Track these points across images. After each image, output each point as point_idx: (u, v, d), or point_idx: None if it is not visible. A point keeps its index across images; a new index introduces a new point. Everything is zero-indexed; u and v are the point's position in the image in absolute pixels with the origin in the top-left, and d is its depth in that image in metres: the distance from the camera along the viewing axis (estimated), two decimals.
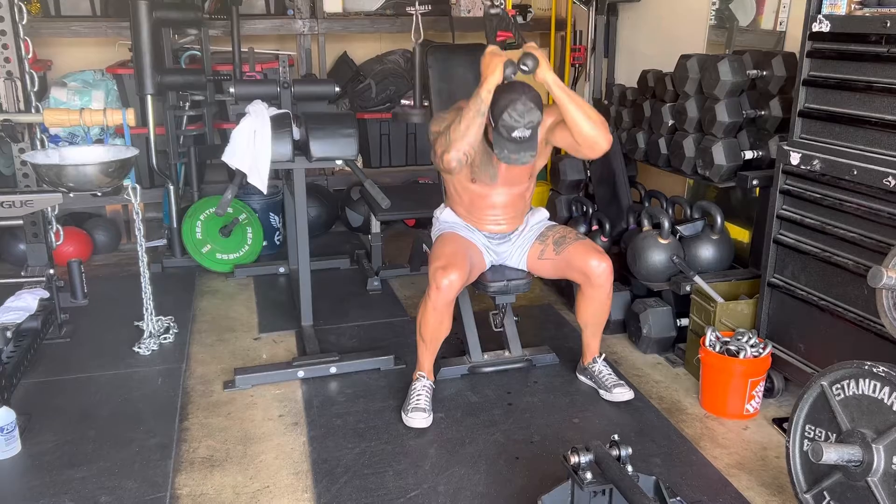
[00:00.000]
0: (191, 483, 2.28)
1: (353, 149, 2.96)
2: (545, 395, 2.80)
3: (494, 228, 2.76)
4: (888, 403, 1.81)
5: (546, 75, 2.34)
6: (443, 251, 2.63)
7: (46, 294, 3.14)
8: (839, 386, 1.93)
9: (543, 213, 2.90)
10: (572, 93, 2.39)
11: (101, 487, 2.24)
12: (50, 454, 2.40)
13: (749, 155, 2.92)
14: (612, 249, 3.41)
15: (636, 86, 3.64)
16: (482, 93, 2.33)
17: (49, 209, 3.32)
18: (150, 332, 3.18)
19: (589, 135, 2.39)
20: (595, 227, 3.52)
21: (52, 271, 3.19)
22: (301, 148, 2.98)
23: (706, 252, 3.06)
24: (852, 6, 2.30)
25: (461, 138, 2.37)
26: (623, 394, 2.72)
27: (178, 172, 4.23)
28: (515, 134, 2.35)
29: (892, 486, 1.78)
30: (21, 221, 3.22)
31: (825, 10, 2.37)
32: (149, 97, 3.73)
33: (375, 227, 3.95)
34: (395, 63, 5.00)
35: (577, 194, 3.82)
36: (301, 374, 2.89)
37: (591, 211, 3.62)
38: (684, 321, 3.04)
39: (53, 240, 3.40)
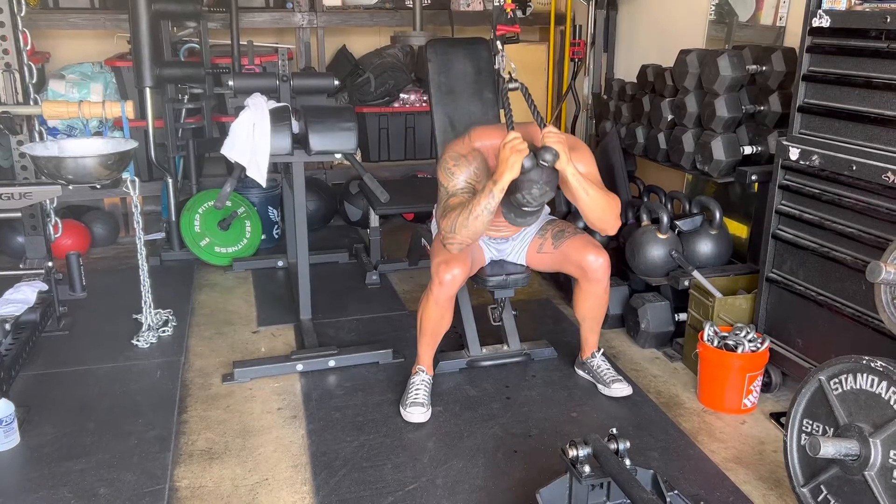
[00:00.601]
0: (189, 475, 2.29)
1: (352, 142, 2.96)
2: (543, 389, 2.80)
3: (495, 234, 2.76)
4: (886, 398, 1.81)
5: (566, 168, 2.25)
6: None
7: (45, 287, 3.14)
8: (837, 380, 1.94)
9: (544, 209, 2.89)
10: (589, 183, 2.32)
11: (99, 479, 2.24)
12: (49, 446, 2.41)
13: (748, 150, 2.92)
14: (611, 244, 3.41)
15: (635, 80, 3.63)
16: (495, 190, 2.23)
17: (47, 201, 3.32)
18: (149, 325, 3.18)
19: (598, 222, 2.42)
20: None
21: (50, 264, 3.19)
22: (300, 141, 2.97)
23: (705, 247, 3.07)
24: (853, 1, 2.30)
25: (465, 228, 2.31)
26: (622, 389, 2.73)
27: (177, 165, 4.23)
28: (527, 209, 2.31)
29: (889, 480, 1.79)
30: (20, 214, 3.21)
31: (825, 5, 2.37)
32: (147, 90, 3.72)
33: (374, 221, 3.95)
34: (394, 57, 4.99)
35: None
36: (300, 367, 2.90)
37: None
38: (682, 316, 3.05)
39: (52, 232, 3.40)
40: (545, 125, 2.30)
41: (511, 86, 2.37)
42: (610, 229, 2.45)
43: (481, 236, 2.39)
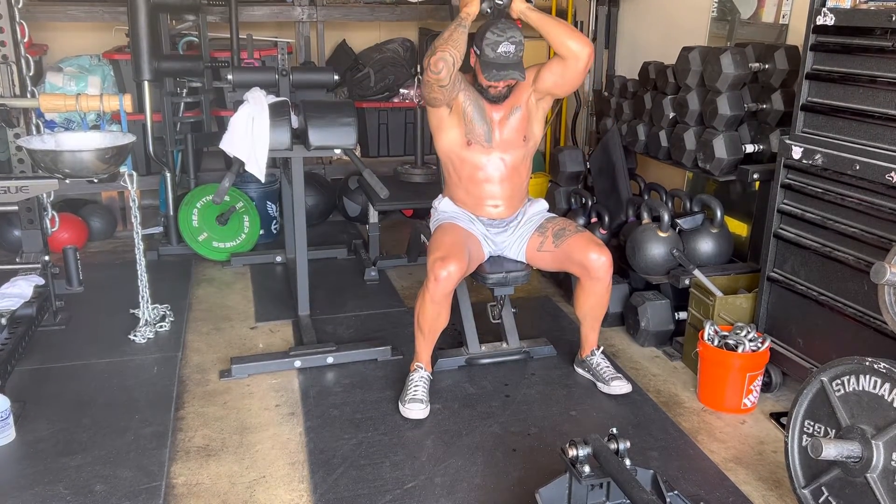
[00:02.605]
0: (186, 472, 2.27)
1: (352, 138, 2.94)
2: (543, 388, 2.79)
3: (493, 212, 2.75)
4: (889, 400, 1.80)
5: (519, 5, 2.55)
6: (441, 242, 2.61)
7: (41, 281, 3.12)
8: (839, 382, 1.93)
9: (543, 205, 2.88)
10: (546, 14, 2.58)
11: (95, 476, 2.23)
12: (44, 442, 2.39)
13: (750, 148, 2.90)
14: (611, 242, 3.40)
15: (637, 77, 3.62)
16: (461, 14, 2.52)
17: (44, 195, 3.29)
18: (146, 320, 3.17)
19: (570, 45, 2.53)
20: (594, 220, 3.51)
21: (47, 258, 3.17)
22: (299, 136, 2.96)
23: (705, 246, 3.06)
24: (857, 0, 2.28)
25: (445, 42, 2.48)
26: (621, 387, 2.72)
27: (175, 160, 4.21)
28: (501, 49, 2.50)
29: (891, 483, 1.78)
30: (16, 207, 3.19)
31: (830, 2, 2.36)
32: (146, 83, 3.69)
33: (373, 216, 3.93)
34: (394, 52, 4.97)
35: (577, 186, 3.80)
36: (298, 363, 2.88)
37: (590, 203, 3.61)
38: (683, 315, 3.04)
39: (49, 226, 3.37)
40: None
41: None
42: (584, 48, 2.53)
43: (461, 52, 2.50)
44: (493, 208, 2.74)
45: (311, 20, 4.75)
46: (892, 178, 2.14)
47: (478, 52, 2.56)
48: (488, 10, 2.55)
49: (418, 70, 4.83)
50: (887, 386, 1.80)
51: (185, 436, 2.45)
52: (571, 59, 2.55)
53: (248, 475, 2.26)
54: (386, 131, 4.92)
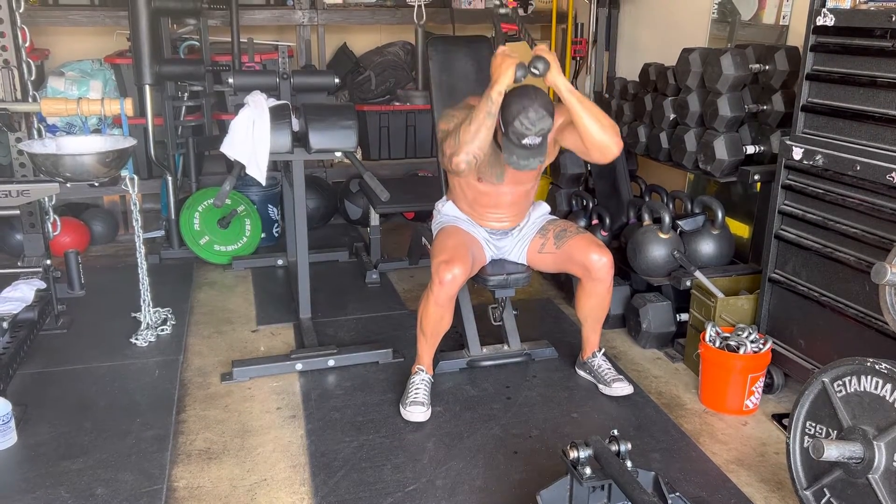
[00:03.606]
0: (187, 475, 2.27)
1: (353, 140, 2.94)
2: (544, 390, 2.79)
3: (497, 225, 2.75)
4: (890, 401, 1.80)
5: (557, 79, 2.28)
6: (445, 245, 2.61)
7: (43, 285, 3.12)
8: (841, 382, 1.92)
9: (545, 208, 2.88)
10: (583, 97, 2.34)
11: (97, 479, 2.23)
12: (46, 445, 2.39)
13: (751, 150, 2.90)
14: (612, 244, 3.40)
15: (637, 79, 3.62)
16: (493, 94, 2.28)
17: (46, 199, 3.30)
18: (148, 324, 3.17)
19: (599, 140, 2.35)
20: (595, 222, 3.51)
21: (48, 262, 3.17)
22: (300, 139, 2.96)
23: (707, 247, 3.05)
24: (857, 0, 2.28)
25: (471, 141, 2.32)
26: (622, 388, 2.72)
27: (177, 163, 4.21)
28: (526, 141, 2.31)
29: (893, 484, 1.77)
30: (18, 211, 3.19)
31: (829, 3, 2.35)
32: (147, 87, 3.70)
33: (374, 219, 3.93)
34: (394, 55, 4.98)
35: (578, 188, 3.80)
36: (299, 366, 2.88)
37: (591, 205, 3.60)
38: (684, 316, 3.03)
39: (50, 230, 3.38)
40: (535, 44, 2.31)
41: (502, 11, 2.40)
42: (612, 146, 2.37)
43: (484, 150, 2.36)
44: (498, 223, 2.74)
45: (312, 23, 4.76)
46: (893, 178, 2.14)
47: (503, 129, 2.35)
48: (522, 79, 2.30)
49: (416, 75, 4.84)
50: (889, 387, 1.80)
51: (186, 439, 2.45)
52: (595, 151, 2.39)
53: (249, 478, 2.26)
54: (387, 134, 4.92)
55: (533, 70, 2.26)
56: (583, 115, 2.31)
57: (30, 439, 2.42)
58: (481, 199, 2.70)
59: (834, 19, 2.32)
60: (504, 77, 2.26)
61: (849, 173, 2.30)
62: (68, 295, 3.21)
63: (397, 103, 4.85)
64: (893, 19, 2.12)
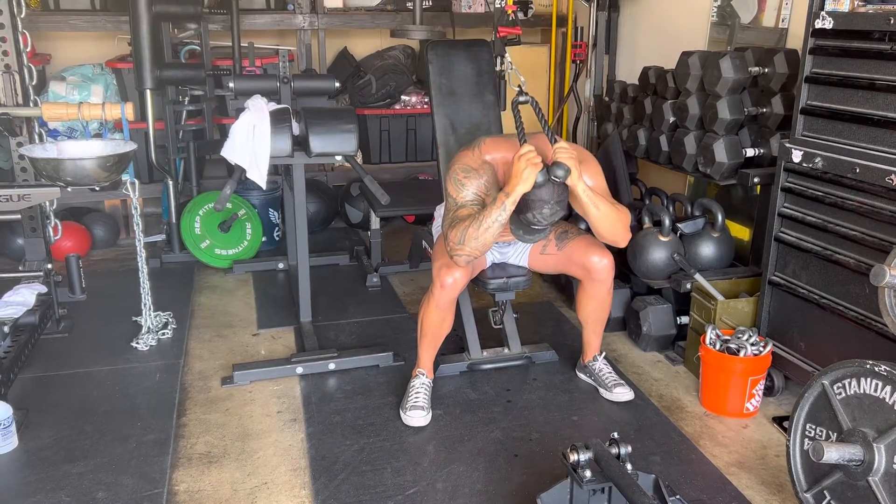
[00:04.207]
0: (188, 479, 2.27)
1: (353, 144, 2.94)
2: (544, 393, 2.79)
3: (500, 238, 2.74)
4: (890, 403, 1.80)
5: (577, 185, 2.23)
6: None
7: (44, 289, 3.13)
8: (840, 385, 1.92)
9: None
10: (599, 198, 2.31)
11: (97, 483, 2.23)
12: (47, 450, 2.39)
13: (750, 152, 2.90)
14: (613, 247, 3.40)
15: (637, 82, 3.62)
16: (507, 203, 2.21)
17: (47, 203, 3.30)
18: (149, 328, 3.17)
19: (611, 237, 2.41)
20: None
21: (49, 266, 3.18)
22: (300, 143, 2.96)
23: (707, 250, 3.05)
24: (855, 3, 2.28)
25: (475, 243, 2.29)
26: (624, 394, 2.71)
27: (178, 167, 4.22)
28: (536, 227, 2.31)
29: (893, 486, 1.77)
30: (19, 216, 3.20)
31: (828, 6, 2.36)
32: (148, 92, 3.71)
33: (375, 223, 3.94)
34: (395, 59, 4.98)
35: None
36: (300, 370, 2.88)
37: None
38: (684, 319, 3.03)
39: (51, 234, 3.38)
40: (556, 140, 2.28)
41: (521, 99, 2.36)
42: (621, 241, 2.43)
43: (489, 249, 2.38)
44: (501, 236, 2.74)
45: (313, 28, 4.77)
46: (892, 180, 2.14)
47: (517, 209, 2.27)
48: (541, 186, 2.21)
49: (416, 79, 4.84)
50: (888, 389, 1.80)
51: (186, 443, 2.46)
52: (604, 240, 2.46)
53: (249, 482, 2.26)
54: (387, 138, 4.93)
55: (554, 178, 2.20)
56: (597, 216, 2.32)
57: (31, 443, 2.42)
58: None
59: (832, 22, 2.33)
60: (523, 185, 2.18)
61: (848, 176, 2.30)
62: (69, 299, 3.21)
63: (398, 107, 4.85)
64: (892, 22, 2.13)
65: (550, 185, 2.21)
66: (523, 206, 2.24)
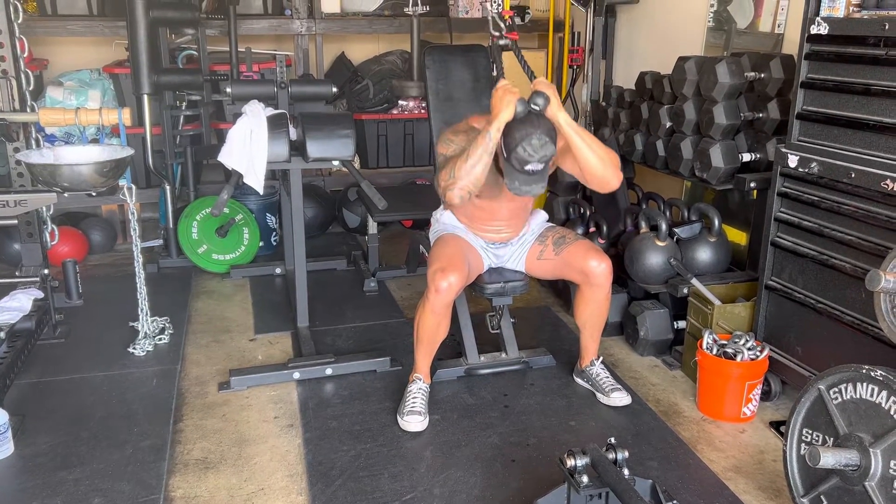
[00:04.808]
0: (185, 485, 2.27)
1: (350, 149, 2.95)
2: (542, 398, 2.79)
3: (495, 237, 2.75)
4: (886, 407, 1.80)
5: (557, 114, 2.28)
6: (442, 253, 2.61)
7: (41, 294, 3.13)
8: (837, 390, 1.93)
9: (542, 216, 2.89)
10: (584, 131, 2.34)
11: (94, 489, 2.23)
12: (43, 456, 2.39)
13: (747, 157, 2.91)
14: (610, 251, 3.40)
15: (634, 87, 3.63)
16: (492, 131, 2.26)
17: (44, 209, 3.30)
18: (146, 333, 3.17)
19: (599, 175, 2.37)
20: (592, 229, 3.51)
21: (46, 271, 3.18)
22: (298, 148, 2.97)
23: (703, 254, 3.06)
24: (850, 8, 2.29)
25: (466, 176, 2.31)
26: (621, 399, 2.71)
27: (175, 172, 4.22)
28: (529, 167, 2.28)
29: (889, 491, 1.77)
30: (16, 221, 3.20)
31: (823, 12, 2.37)
32: (145, 97, 3.71)
33: (372, 228, 3.94)
34: (392, 64, 5.00)
35: (575, 196, 3.81)
36: (297, 375, 2.88)
37: (588, 213, 3.61)
38: (681, 324, 3.03)
39: (48, 239, 3.38)
40: (535, 77, 2.29)
41: (502, 43, 2.39)
42: (612, 179, 2.38)
43: (479, 186, 2.35)
44: (496, 234, 2.75)
45: (310, 33, 4.78)
46: (888, 185, 2.15)
47: (504, 155, 2.33)
48: (523, 115, 2.28)
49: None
50: (884, 394, 1.80)
51: (183, 448, 2.45)
52: (595, 184, 2.42)
53: (246, 487, 2.26)
54: (385, 143, 4.93)
55: (533, 106, 2.26)
56: (584, 150, 2.32)
57: (27, 449, 2.42)
58: (478, 213, 2.70)
59: (828, 28, 2.34)
60: (504, 113, 2.24)
61: (844, 181, 2.31)
62: (66, 304, 3.21)
63: (395, 111, 4.86)
64: (886, 27, 2.14)
65: (533, 117, 2.25)
66: (511, 144, 2.26)
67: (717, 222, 3.05)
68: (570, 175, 3.69)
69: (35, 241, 3.25)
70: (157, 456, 2.40)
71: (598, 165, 2.34)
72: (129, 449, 2.43)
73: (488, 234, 2.75)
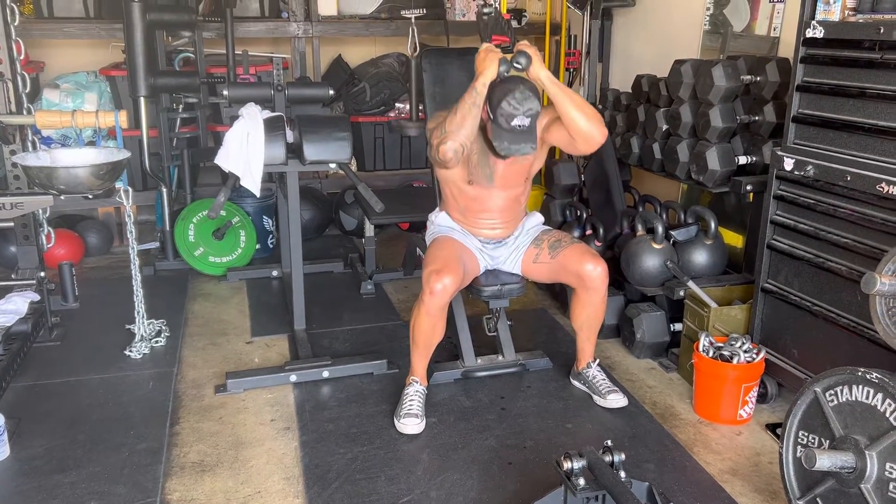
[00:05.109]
0: (181, 488, 2.26)
1: (347, 152, 2.95)
2: (538, 400, 2.79)
3: (490, 234, 2.76)
4: (881, 410, 1.80)
5: (539, 72, 2.40)
6: (437, 255, 2.62)
7: (37, 297, 3.12)
8: (832, 392, 1.93)
9: (538, 218, 2.89)
10: (566, 88, 2.44)
11: (90, 492, 2.22)
12: (39, 459, 2.38)
13: (743, 160, 2.92)
14: (606, 254, 3.40)
15: (630, 90, 3.64)
16: (477, 86, 2.38)
17: (40, 211, 3.30)
18: (142, 336, 3.16)
19: (584, 129, 2.42)
20: (589, 232, 3.52)
21: (42, 274, 3.17)
22: (294, 151, 2.97)
23: (700, 257, 3.06)
24: (846, 12, 2.30)
25: (457, 129, 2.39)
26: (617, 400, 2.72)
27: (171, 175, 4.22)
28: (515, 122, 2.38)
29: (885, 493, 1.78)
30: (12, 224, 3.19)
31: (819, 15, 2.38)
32: (142, 99, 3.72)
33: (369, 230, 3.94)
34: (389, 66, 5.00)
35: (572, 199, 3.82)
36: (293, 378, 2.88)
37: (585, 215, 3.62)
38: (678, 326, 3.04)
39: (45, 242, 3.38)
40: (517, 40, 2.46)
41: (486, 10, 2.52)
42: (597, 133, 2.44)
43: (471, 139, 2.43)
44: (490, 230, 2.75)
45: (307, 36, 4.78)
46: (883, 188, 2.15)
47: (490, 116, 2.44)
48: (506, 74, 2.40)
49: (410, 86, 4.85)
50: (880, 396, 1.81)
51: (180, 451, 2.45)
52: (581, 141, 2.46)
53: (243, 490, 2.26)
54: (382, 145, 4.94)
55: (515, 64, 2.38)
56: (567, 104, 2.40)
57: (23, 452, 2.41)
58: (472, 204, 2.71)
59: (823, 31, 2.35)
60: (488, 70, 2.37)
61: (839, 183, 2.31)
62: (62, 307, 3.21)
63: (392, 114, 4.86)
64: (882, 31, 2.15)
65: (514, 77, 2.39)
66: (495, 101, 2.38)
67: (713, 225, 3.06)
68: (567, 178, 3.75)
69: (31, 243, 3.25)
70: (154, 459, 2.39)
71: (581, 119, 2.41)
72: (126, 452, 2.43)
73: (482, 231, 2.75)
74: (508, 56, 2.41)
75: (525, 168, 2.68)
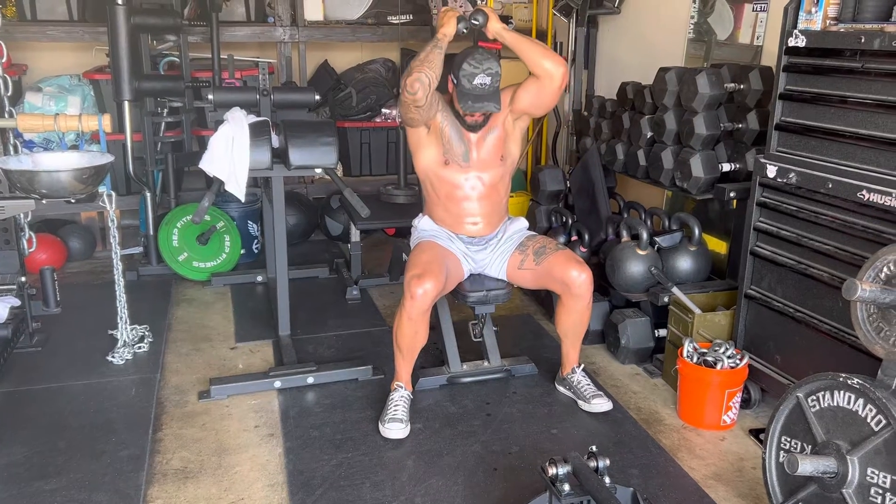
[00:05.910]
0: (163, 495, 2.24)
1: (333, 157, 2.94)
2: (524, 406, 2.79)
3: (472, 230, 2.76)
4: (862, 415, 1.82)
5: (495, 25, 2.58)
6: (419, 259, 2.62)
7: (17, 302, 3.09)
8: (814, 398, 1.95)
9: (523, 223, 2.90)
10: (521, 34, 2.62)
11: (71, 500, 2.20)
12: (19, 466, 2.35)
13: (727, 167, 2.94)
14: (591, 260, 3.42)
15: (615, 97, 3.66)
16: (438, 35, 2.55)
17: (21, 215, 3.26)
18: (125, 342, 3.14)
19: (544, 65, 2.57)
20: (574, 238, 3.53)
21: (23, 279, 3.13)
22: (280, 156, 2.96)
23: (684, 263, 3.08)
24: (827, 22, 2.33)
25: (421, 63, 2.50)
26: (602, 405, 2.72)
27: (156, 179, 4.19)
28: (476, 81, 2.52)
29: (866, 498, 1.79)
30: None
31: (801, 25, 2.40)
32: (126, 103, 3.69)
33: (355, 235, 3.93)
34: (375, 72, 5.00)
35: (557, 205, 3.83)
36: (278, 384, 2.86)
37: (570, 221, 3.63)
38: (662, 332, 3.05)
39: (26, 247, 3.33)
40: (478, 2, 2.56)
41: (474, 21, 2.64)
42: (558, 66, 2.57)
43: (437, 76, 2.52)
44: (472, 226, 2.76)
45: (293, 41, 4.77)
46: (864, 195, 2.18)
47: (455, 82, 2.59)
48: (465, 31, 2.59)
49: (397, 91, 4.86)
50: (861, 401, 1.82)
51: (162, 458, 2.43)
52: (546, 78, 2.58)
53: (226, 497, 2.24)
54: (368, 151, 4.94)
55: (473, 21, 2.55)
56: (525, 46, 2.58)
57: (2, 459, 2.38)
58: (454, 193, 2.71)
59: (805, 40, 2.37)
60: (448, 27, 2.56)
61: (821, 191, 2.34)
62: (43, 312, 3.16)
63: (378, 119, 4.86)
64: (863, 40, 2.17)
65: (475, 46, 2.62)
66: (457, 65, 2.55)
67: (697, 231, 3.08)
68: (553, 184, 3.77)
69: (12, 248, 3.21)
70: (136, 466, 2.37)
71: (540, 56, 2.57)
72: (108, 459, 2.40)
73: (465, 227, 2.75)
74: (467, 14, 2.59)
75: (499, 145, 2.71)
